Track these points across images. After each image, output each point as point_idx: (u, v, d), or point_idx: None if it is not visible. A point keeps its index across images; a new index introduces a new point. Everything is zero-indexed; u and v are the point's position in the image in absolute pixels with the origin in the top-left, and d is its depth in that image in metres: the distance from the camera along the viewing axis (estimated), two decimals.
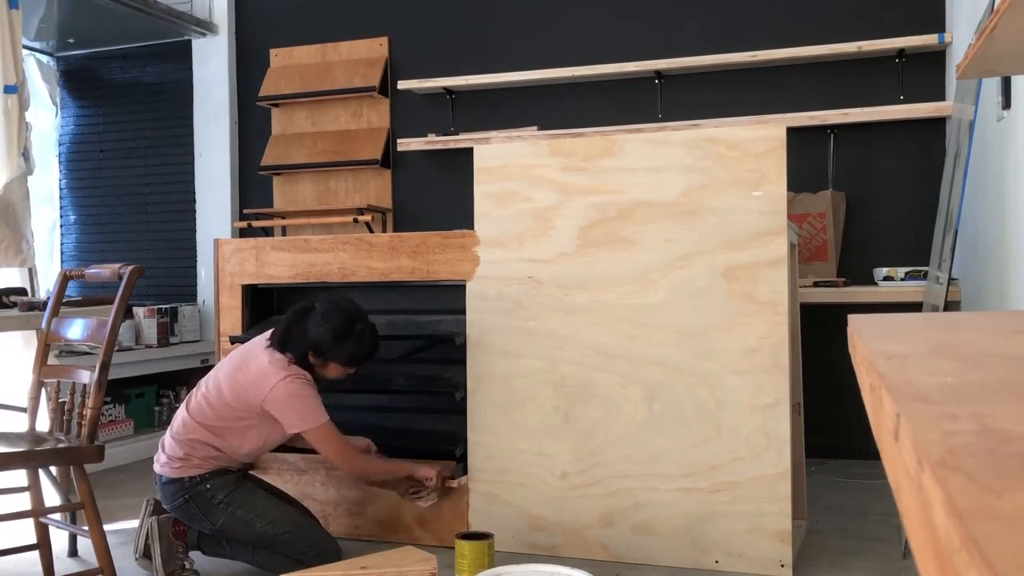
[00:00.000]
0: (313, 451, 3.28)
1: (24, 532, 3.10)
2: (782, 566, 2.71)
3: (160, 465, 2.71)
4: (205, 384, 2.78)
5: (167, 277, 5.64)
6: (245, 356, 2.76)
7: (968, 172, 2.83)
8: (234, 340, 3.34)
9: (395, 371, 3.23)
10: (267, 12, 5.43)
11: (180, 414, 2.77)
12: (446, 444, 3.10)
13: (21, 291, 4.06)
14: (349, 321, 2.74)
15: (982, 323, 0.86)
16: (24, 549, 2.69)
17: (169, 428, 2.78)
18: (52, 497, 2.97)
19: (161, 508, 2.78)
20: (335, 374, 2.79)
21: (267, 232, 5.13)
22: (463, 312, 3.08)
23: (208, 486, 2.70)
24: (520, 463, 3.00)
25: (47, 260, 5.78)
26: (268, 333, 2.81)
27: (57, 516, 3.02)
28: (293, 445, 2.99)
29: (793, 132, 3.90)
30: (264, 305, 3.48)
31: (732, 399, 2.77)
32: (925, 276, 3.72)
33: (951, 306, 3.53)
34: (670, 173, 2.84)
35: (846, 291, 3.90)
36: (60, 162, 5.95)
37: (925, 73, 4.21)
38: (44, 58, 5.84)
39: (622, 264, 2.89)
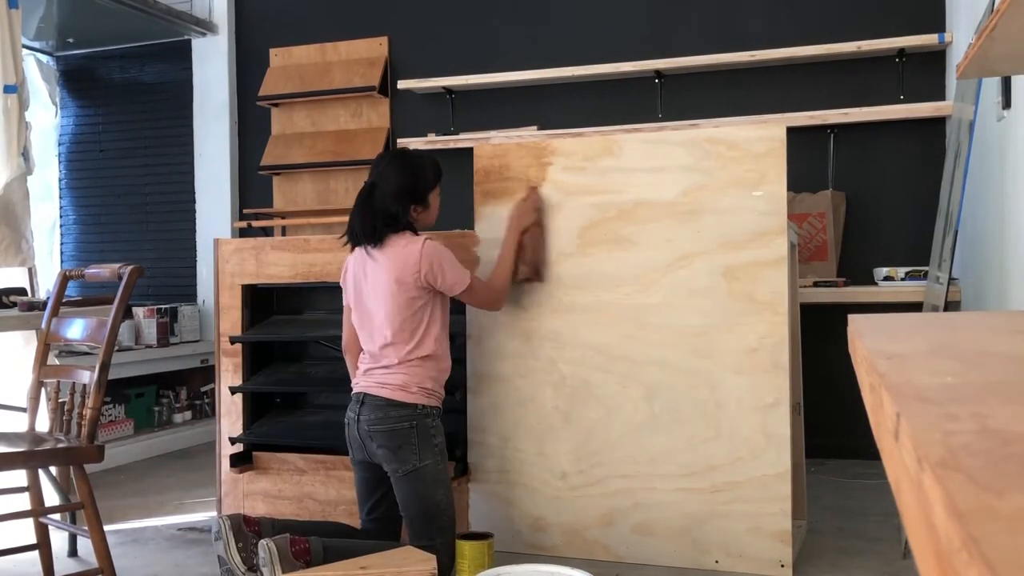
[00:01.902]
0: (314, 451, 3.29)
1: (24, 532, 3.10)
2: (782, 566, 2.71)
3: (388, 389, 2.63)
4: (372, 322, 2.69)
5: (167, 277, 5.64)
6: (372, 267, 2.69)
7: (968, 172, 2.83)
8: (234, 340, 3.34)
9: None
10: (267, 12, 5.43)
11: (374, 347, 2.68)
12: (446, 444, 3.10)
13: (21, 291, 4.06)
14: (399, 156, 2.76)
15: (982, 323, 0.86)
16: (24, 549, 2.69)
17: (371, 359, 2.70)
18: (52, 497, 2.97)
19: (267, 531, 2.60)
20: (435, 207, 2.79)
21: (267, 232, 5.13)
22: (463, 312, 3.08)
23: (434, 423, 2.66)
24: (520, 463, 3.00)
25: (47, 260, 5.78)
26: (360, 251, 2.74)
27: (57, 516, 3.02)
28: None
29: (793, 132, 3.89)
30: (264, 305, 3.48)
31: (732, 399, 2.77)
32: (925, 276, 3.72)
33: (951, 306, 3.53)
34: (670, 173, 2.84)
35: (846, 291, 3.90)
36: (60, 162, 5.95)
37: (925, 73, 4.21)
38: (44, 58, 5.84)
39: (622, 264, 2.89)
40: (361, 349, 2.80)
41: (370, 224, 2.68)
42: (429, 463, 2.63)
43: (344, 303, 2.85)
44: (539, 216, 2.95)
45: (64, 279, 2.81)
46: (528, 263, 2.93)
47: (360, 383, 2.72)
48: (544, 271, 2.97)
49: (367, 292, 2.72)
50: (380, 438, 2.62)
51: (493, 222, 3.04)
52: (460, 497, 3.07)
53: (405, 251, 2.65)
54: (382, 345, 2.68)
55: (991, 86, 2.94)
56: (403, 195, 2.69)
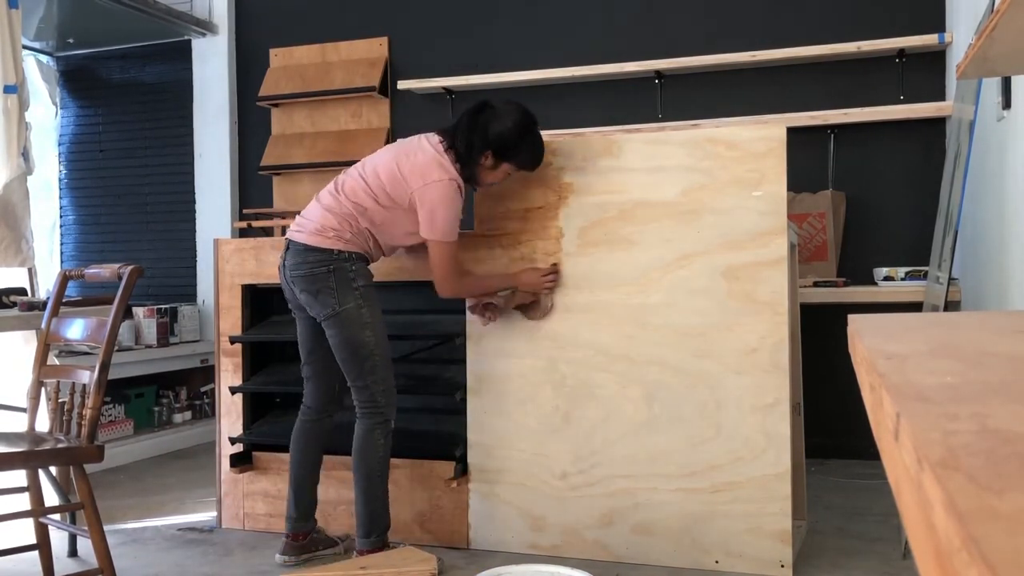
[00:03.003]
0: None
1: (24, 532, 3.10)
2: (782, 566, 2.71)
3: (306, 234, 2.68)
4: (358, 169, 2.76)
5: (167, 277, 5.64)
6: (412, 146, 2.74)
7: (968, 172, 2.83)
8: (234, 340, 3.34)
9: (395, 371, 3.22)
10: (267, 12, 5.43)
11: (328, 194, 2.74)
12: (446, 444, 3.10)
13: (21, 291, 4.06)
14: (530, 119, 2.76)
15: (982, 323, 0.86)
16: (24, 549, 2.69)
17: (315, 203, 2.75)
18: (52, 497, 2.97)
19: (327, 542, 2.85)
20: (498, 178, 2.79)
21: (267, 232, 5.13)
22: (463, 312, 3.08)
23: (352, 267, 2.69)
24: (520, 463, 3.00)
25: (47, 260, 5.78)
26: (435, 132, 2.78)
27: (57, 516, 3.01)
28: (405, 252, 2.98)
29: (793, 132, 3.89)
30: (264, 305, 3.48)
31: (732, 399, 2.77)
32: (925, 276, 3.72)
33: (951, 306, 3.53)
34: (670, 173, 2.84)
35: (846, 291, 3.90)
36: (60, 162, 5.95)
37: (925, 73, 4.21)
38: (44, 58, 5.84)
39: (622, 264, 2.89)
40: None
41: (465, 136, 2.69)
42: (350, 306, 2.67)
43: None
44: (539, 296, 2.95)
45: (64, 279, 2.81)
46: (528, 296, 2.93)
47: (290, 228, 2.77)
48: (544, 312, 2.95)
49: (387, 157, 2.74)
50: (300, 283, 2.68)
51: (493, 222, 3.04)
52: (460, 497, 3.07)
53: (425, 170, 2.67)
54: (330, 191, 2.73)
55: (991, 86, 2.94)
56: (496, 139, 2.69)
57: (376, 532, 2.76)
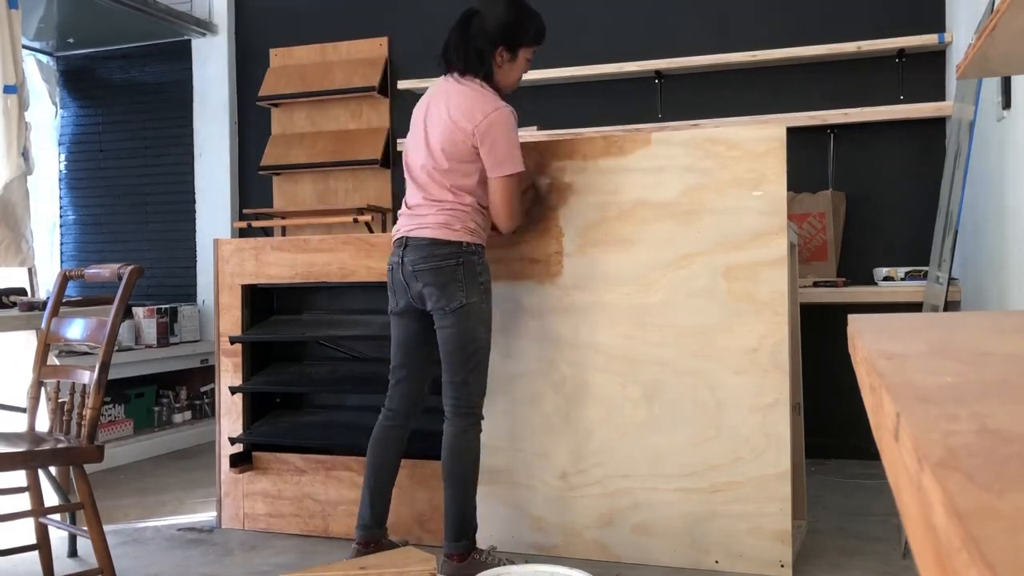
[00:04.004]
0: (314, 451, 3.29)
1: (24, 532, 3.10)
2: (782, 566, 2.71)
3: (431, 229, 2.59)
4: (418, 161, 2.66)
5: (167, 277, 5.64)
6: (443, 98, 2.65)
7: (968, 172, 2.83)
8: (234, 340, 3.34)
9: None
10: (267, 12, 5.43)
11: (417, 188, 2.65)
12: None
13: (21, 291, 4.06)
14: None
15: (982, 323, 0.86)
16: (24, 549, 2.69)
17: (414, 203, 2.66)
18: (52, 497, 2.97)
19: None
20: (521, 70, 2.72)
21: (267, 232, 5.13)
22: None
23: (479, 261, 2.64)
24: (520, 463, 3.00)
25: (47, 260, 5.78)
26: (446, 75, 2.70)
27: (57, 516, 3.02)
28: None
29: (793, 132, 3.90)
30: (264, 305, 3.48)
31: (732, 399, 2.77)
32: (925, 276, 3.72)
33: (951, 306, 3.53)
34: (670, 173, 2.84)
35: (846, 291, 3.90)
36: (60, 162, 5.95)
37: (925, 73, 4.21)
38: (44, 58, 5.84)
39: (622, 264, 2.89)
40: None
41: (462, 58, 2.64)
42: (475, 300, 2.61)
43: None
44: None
45: (64, 279, 2.81)
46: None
47: (401, 229, 2.67)
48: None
49: (428, 129, 2.66)
50: (426, 276, 2.59)
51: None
52: None
53: (473, 106, 2.58)
54: (424, 186, 2.63)
55: (991, 86, 2.94)
56: (498, 31, 2.63)
57: (467, 535, 2.67)
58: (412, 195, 2.70)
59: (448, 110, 2.62)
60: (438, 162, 2.62)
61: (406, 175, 2.74)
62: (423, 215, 2.63)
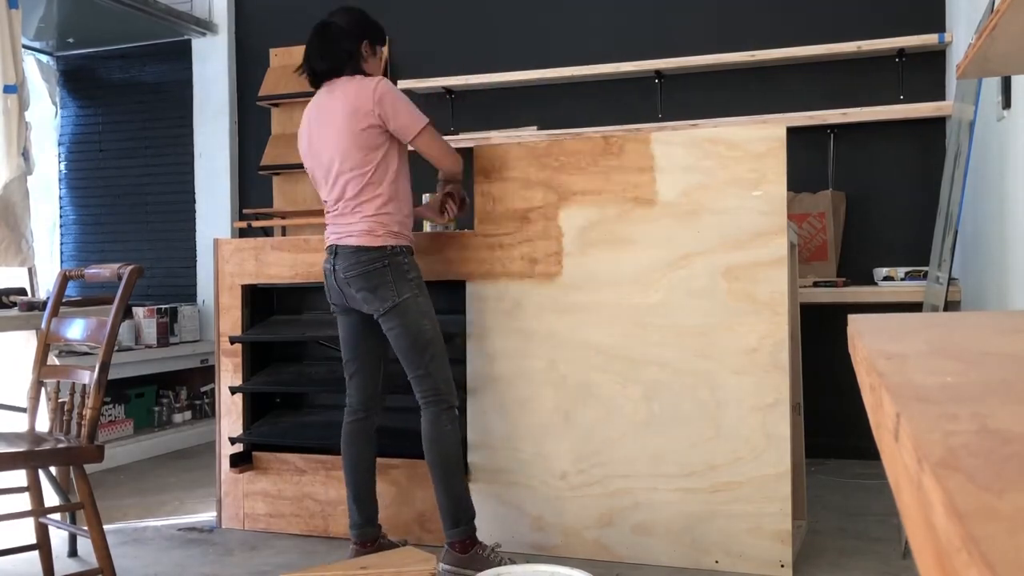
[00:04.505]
0: (314, 451, 3.29)
1: (24, 532, 3.10)
2: (782, 566, 2.71)
3: (356, 237, 2.69)
4: (328, 170, 2.74)
5: (167, 277, 5.64)
6: (326, 103, 2.75)
7: (968, 172, 2.83)
8: (234, 340, 3.34)
9: (395, 371, 3.22)
10: (267, 12, 5.43)
11: (336, 196, 2.73)
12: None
13: (21, 291, 4.06)
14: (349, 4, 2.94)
15: (982, 323, 0.86)
16: (24, 549, 2.69)
17: (336, 210, 2.74)
18: (52, 497, 2.97)
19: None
20: (380, 61, 2.92)
21: (267, 232, 5.13)
22: (462, 312, 3.08)
23: (406, 260, 2.72)
24: (520, 463, 3.00)
25: (47, 260, 5.78)
26: (319, 90, 2.81)
27: (57, 516, 3.02)
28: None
29: (793, 132, 3.90)
30: (264, 305, 3.48)
31: (732, 399, 2.77)
32: (925, 276, 3.72)
33: (951, 306, 3.53)
34: (670, 173, 2.84)
35: (846, 291, 3.90)
36: (60, 162, 5.95)
37: (925, 73, 4.21)
38: (44, 58, 5.84)
39: (622, 264, 2.89)
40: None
41: (329, 58, 2.77)
42: (408, 296, 2.69)
43: (306, 168, 2.88)
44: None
45: (64, 279, 2.81)
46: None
47: (330, 236, 2.78)
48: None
49: (321, 136, 2.75)
50: (357, 282, 2.69)
51: (493, 222, 3.04)
52: None
53: (359, 87, 2.70)
54: (341, 192, 2.72)
55: (991, 86, 2.94)
56: (358, 30, 2.81)
57: (464, 520, 2.73)
58: (332, 203, 2.77)
59: (340, 109, 2.69)
60: (350, 165, 2.69)
61: (312, 175, 2.83)
62: (348, 223, 2.72)
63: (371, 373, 2.86)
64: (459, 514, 2.72)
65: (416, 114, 2.74)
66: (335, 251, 2.74)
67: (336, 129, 2.70)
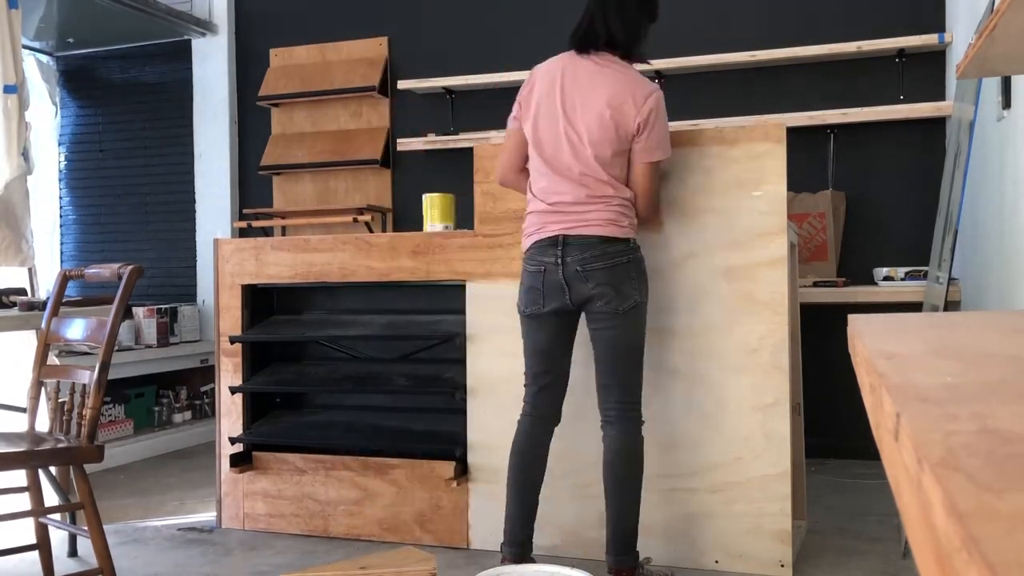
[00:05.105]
0: (314, 451, 3.29)
1: (24, 532, 3.10)
2: (782, 566, 2.71)
3: (600, 226, 2.42)
4: (565, 152, 2.46)
5: (167, 277, 5.64)
6: (588, 78, 2.47)
7: (968, 172, 2.83)
8: (234, 340, 3.34)
9: (395, 371, 3.23)
10: (267, 12, 5.43)
11: (568, 185, 2.45)
12: (446, 444, 3.10)
13: (21, 291, 4.06)
14: None
15: (982, 323, 0.86)
16: (24, 549, 2.69)
17: (568, 197, 2.45)
18: (52, 497, 2.97)
19: None
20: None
21: (267, 232, 5.13)
22: (463, 312, 3.08)
23: (642, 256, 2.55)
24: None
25: (47, 260, 5.78)
26: (583, 52, 2.51)
27: (57, 516, 3.02)
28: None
29: (793, 132, 3.90)
30: (264, 305, 3.48)
31: (732, 399, 2.77)
32: (925, 276, 3.72)
33: (951, 306, 3.53)
34: (670, 173, 2.84)
35: (846, 291, 3.90)
36: (60, 162, 5.95)
37: (925, 73, 4.21)
38: (44, 58, 5.84)
39: None
40: (524, 180, 2.59)
41: (618, 26, 2.48)
42: (645, 300, 2.52)
43: (514, 123, 2.60)
44: None
45: (64, 279, 2.81)
46: None
47: (550, 227, 2.47)
48: None
49: (575, 109, 2.47)
50: (599, 276, 2.43)
51: (493, 222, 3.04)
52: (460, 497, 3.07)
53: (637, 82, 2.45)
54: (578, 179, 2.45)
55: (991, 86, 2.94)
56: (645, 6, 2.55)
57: (634, 547, 2.53)
58: (560, 190, 2.48)
59: (604, 94, 2.44)
60: (596, 152, 2.45)
61: (542, 167, 2.51)
62: (583, 212, 2.45)
63: (564, 383, 2.63)
64: (633, 540, 2.52)
65: (666, 141, 2.52)
66: (563, 242, 2.45)
67: (594, 117, 2.44)
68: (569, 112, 2.48)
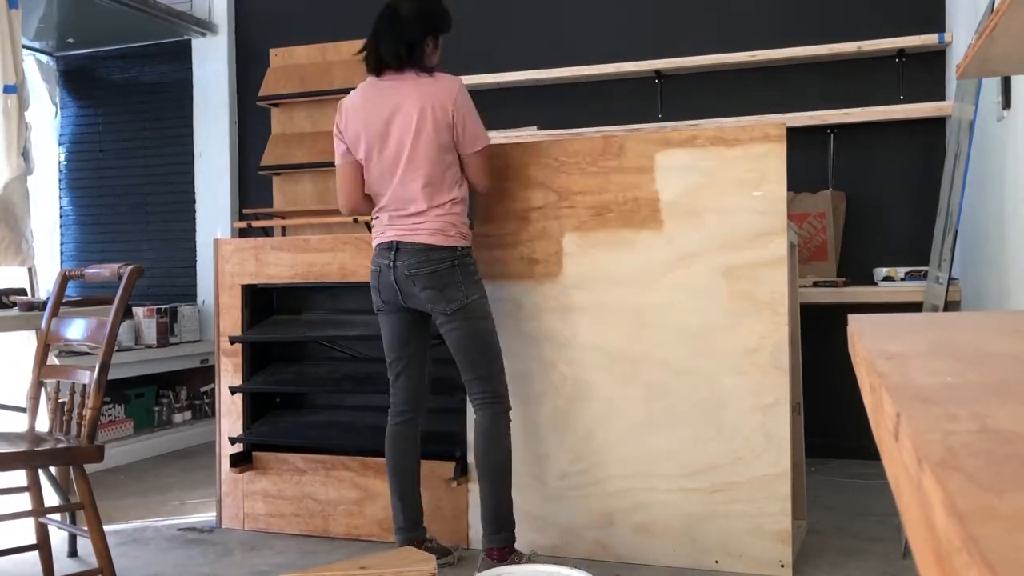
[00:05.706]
0: (314, 451, 3.29)
1: (24, 532, 3.10)
2: (782, 566, 2.71)
3: (426, 235, 2.63)
4: (393, 165, 2.66)
5: (167, 277, 5.64)
6: (393, 91, 2.68)
7: (968, 172, 2.83)
8: (234, 340, 3.34)
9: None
10: (267, 12, 5.43)
11: (399, 193, 2.65)
12: (446, 444, 3.10)
13: (21, 291, 4.06)
14: None
15: (982, 323, 0.86)
16: (24, 549, 2.69)
17: (399, 208, 2.67)
18: (52, 497, 2.97)
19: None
20: (437, 59, 2.80)
21: (267, 232, 5.12)
22: None
23: (472, 259, 2.72)
24: (520, 463, 3.00)
25: (47, 260, 5.78)
26: (379, 75, 2.74)
27: (57, 516, 3.01)
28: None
29: (793, 132, 3.89)
30: (264, 305, 3.48)
31: (732, 399, 2.77)
32: (925, 276, 3.72)
33: (951, 306, 3.53)
34: (670, 173, 2.84)
35: (846, 291, 3.90)
36: (60, 162, 5.95)
37: (925, 73, 4.21)
38: (44, 58, 5.84)
39: (622, 264, 2.89)
40: (370, 205, 2.79)
41: (393, 48, 2.69)
42: (475, 298, 2.68)
43: (342, 156, 2.80)
44: None
45: (64, 279, 2.81)
46: None
47: (388, 233, 2.69)
48: None
49: (385, 130, 2.67)
50: (423, 280, 2.64)
51: (493, 222, 3.04)
52: (460, 497, 3.07)
53: (438, 84, 2.65)
54: (406, 189, 2.65)
55: (991, 86, 2.94)
56: (425, 21, 2.71)
57: (506, 527, 2.69)
58: (394, 201, 2.69)
59: (414, 105, 2.63)
60: (421, 163, 2.64)
61: (376, 185, 2.73)
62: (412, 222, 2.66)
63: (419, 373, 2.82)
64: (502, 520, 2.69)
65: (481, 130, 2.73)
66: (395, 247, 2.67)
67: (406, 125, 2.64)
68: (386, 132, 2.68)
